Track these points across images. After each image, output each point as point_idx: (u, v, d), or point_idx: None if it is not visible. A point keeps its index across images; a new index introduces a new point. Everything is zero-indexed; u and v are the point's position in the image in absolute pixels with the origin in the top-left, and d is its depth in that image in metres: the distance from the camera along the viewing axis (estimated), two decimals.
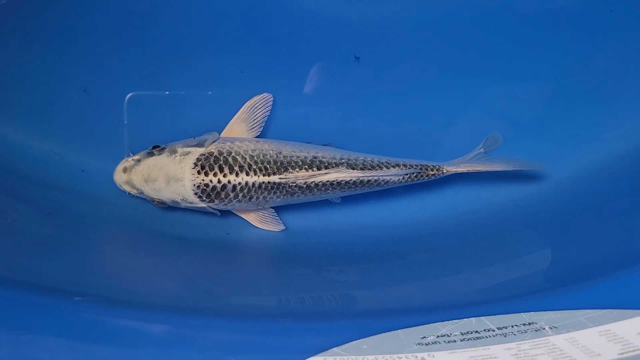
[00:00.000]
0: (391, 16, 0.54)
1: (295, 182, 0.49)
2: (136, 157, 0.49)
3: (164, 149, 0.49)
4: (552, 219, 0.52)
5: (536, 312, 0.38)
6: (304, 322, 0.37)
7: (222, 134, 0.50)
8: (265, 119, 0.52)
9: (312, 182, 0.49)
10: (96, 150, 0.53)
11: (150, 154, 0.49)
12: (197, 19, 0.53)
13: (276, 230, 0.52)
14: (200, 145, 0.49)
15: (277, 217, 0.52)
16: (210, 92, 0.54)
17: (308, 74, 0.55)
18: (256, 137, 0.51)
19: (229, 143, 0.49)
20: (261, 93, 0.52)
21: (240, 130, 0.51)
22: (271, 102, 0.52)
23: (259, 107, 0.51)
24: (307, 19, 0.53)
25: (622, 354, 0.32)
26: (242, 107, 0.51)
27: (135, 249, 0.49)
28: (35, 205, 0.50)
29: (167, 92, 0.54)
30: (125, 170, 0.49)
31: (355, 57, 0.55)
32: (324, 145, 0.52)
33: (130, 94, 0.53)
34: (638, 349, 0.32)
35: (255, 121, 0.51)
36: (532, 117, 0.57)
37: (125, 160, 0.49)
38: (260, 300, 0.41)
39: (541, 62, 0.56)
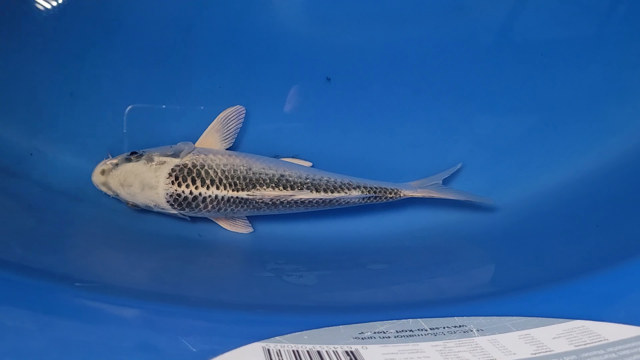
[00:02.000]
0: (361, 42, 0.58)
1: (262, 199, 0.52)
2: (114, 160, 0.52)
3: (141, 155, 0.52)
4: (500, 238, 0.56)
5: (468, 317, 0.41)
6: (255, 314, 0.41)
7: (197, 144, 0.54)
8: (238, 130, 0.55)
9: (277, 200, 0.52)
10: (78, 150, 0.56)
11: (128, 160, 0.51)
12: (181, 38, 0.57)
13: (245, 232, 0.55)
14: (175, 155, 0.51)
15: (247, 221, 0.55)
16: (202, 107, 0.57)
17: (285, 94, 0.59)
18: (229, 148, 0.55)
19: (202, 155, 0.52)
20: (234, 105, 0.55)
21: (213, 140, 0.54)
22: (244, 114, 0.55)
23: (232, 118, 0.54)
24: (283, 41, 0.57)
25: (534, 354, 0.35)
26: (216, 118, 0.54)
27: (110, 243, 0.51)
28: (16, 198, 0.53)
29: (163, 106, 0.57)
30: (103, 172, 0.52)
31: (327, 78, 0.59)
32: (292, 157, 0.56)
33: (130, 106, 0.56)
34: (549, 351, 0.35)
35: (229, 132, 0.54)
36: (491, 142, 0.61)
37: (103, 162, 0.52)
38: (218, 294, 0.44)
39: (500, 93, 0.60)
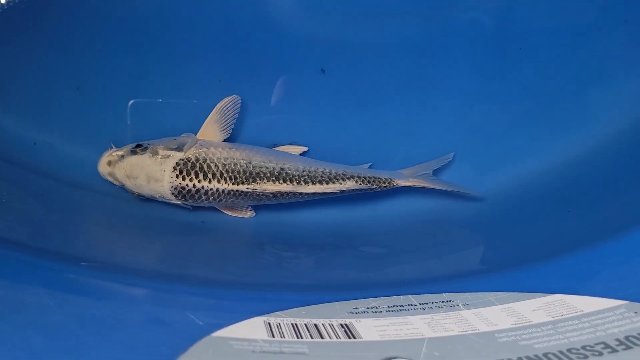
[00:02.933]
0: (354, 34, 0.60)
1: (262, 192, 0.55)
2: (120, 152, 0.54)
3: (146, 148, 0.54)
4: (488, 221, 0.59)
5: (455, 293, 0.44)
6: (257, 292, 0.44)
7: (198, 135, 0.56)
8: (235, 119, 0.57)
9: (277, 192, 0.55)
10: (85, 142, 0.59)
11: (134, 152, 0.53)
12: (181, 34, 0.59)
13: (247, 216, 0.58)
14: (179, 149, 0.54)
15: (248, 206, 0.58)
16: (195, 101, 0.60)
17: (282, 86, 0.61)
18: (228, 137, 0.57)
19: (205, 149, 0.54)
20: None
21: (213, 130, 0.56)
22: (239, 104, 0.57)
23: (229, 108, 0.56)
24: (278, 35, 0.59)
25: (514, 325, 0.38)
26: (214, 109, 0.56)
27: (118, 229, 0.54)
28: (26, 188, 0.56)
29: (165, 100, 0.60)
30: (109, 163, 0.54)
31: (322, 70, 0.61)
32: (289, 144, 0.58)
33: (132, 101, 0.59)
34: (529, 322, 0.38)
35: (227, 121, 0.56)
36: (479, 131, 0.63)
37: (109, 153, 0.54)
38: (222, 275, 0.47)
39: (487, 83, 0.62)
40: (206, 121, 0.56)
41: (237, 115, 0.57)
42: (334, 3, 0.59)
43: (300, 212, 0.61)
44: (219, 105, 0.56)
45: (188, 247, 0.53)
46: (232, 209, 0.57)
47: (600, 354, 0.33)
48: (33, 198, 0.53)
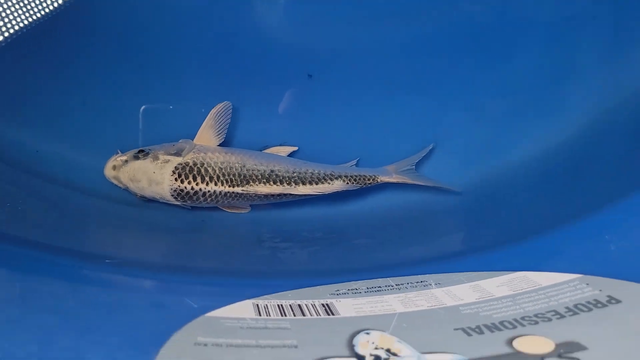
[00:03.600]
0: (337, 41, 0.65)
1: (254, 194, 0.59)
2: (124, 157, 0.59)
3: (147, 154, 0.58)
4: (469, 209, 0.63)
5: (430, 275, 0.48)
6: (249, 279, 0.48)
7: (195, 140, 0.60)
8: (228, 123, 0.62)
9: (269, 193, 0.60)
10: (92, 150, 0.64)
11: (137, 158, 0.58)
12: (178, 49, 0.64)
13: (243, 212, 0.62)
14: (178, 154, 0.58)
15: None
16: (203, 110, 0.64)
17: (272, 92, 0.66)
18: (222, 140, 0.61)
19: (202, 154, 0.58)
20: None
21: (209, 135, 0.61)
22: (231, 108, 0.62)
23: (221, 113, 0.61)
24: (267, 45, 0.64)
25: (478, 299, 0.42)
26: (208, 115, 0.61)
27: (124, 229, 0.59)
28: (41, 197, 0.61)
29: (170, 107, 0.65)
30: (114, 167, 0.59)
31: (309, 75, 0.66)
32: (279, 144, 0.63)
33: (143, 106, 0.64)
34: (491, 295, 0.42)
35: (221, 126, 0.61)
36: (460, 126, 0.67)
37: (114, 158, 0.59)
38: (217, 266, 0.52)
39: (466, 81, 0.67)
40: (202, 127, 0.61)
41: (229, 120, 0.61)
42: (316, 14, 0.64)
43: (292, 209, 0.66)
44: (212, 112, 0.61)
45: (188, 243, 0.58)
46: (228, 206, 0.62)
47: (550, 320, 0.37)
48: (46, 203, 0.58)
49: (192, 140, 0.61)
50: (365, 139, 0.67)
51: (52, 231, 0.52)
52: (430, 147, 0.65)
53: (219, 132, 0.61)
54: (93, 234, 0.57)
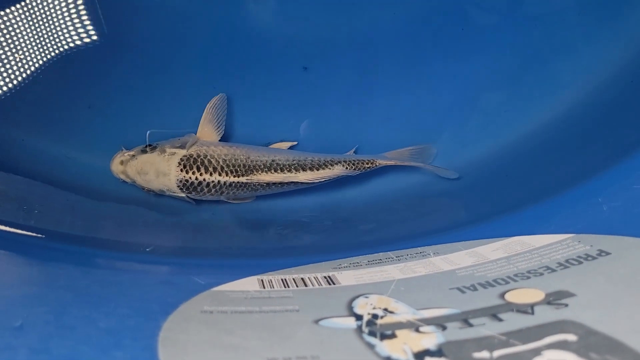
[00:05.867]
0: (329, 33, 0.67)
1: (258, 182, 0.61)
2: (131, 152, 0.61)
3: (155, 148, 0.61)
4: (468, 188, 0.64)
5: (429, 246, 0.50)
6: (254, 259, 0.50)
7: (197, 134, 0.63)
8: (225, 115, 0.64)
9: (272, 182, 0.62)
10: (100, 153, 0.66)
11: (144, 151, 0.61)
12: (175, 49, 0.66)
13: (247, 201, 0.64)
14: (183, 147, 0.61)
15: None
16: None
17: (269, 85, 0.68)
18: (223, 133, 0.64)
19: (205, 147, 0.61)
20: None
21: (209, 129, 0.63)
22: (226, 100, 0.64)
23: (218, 105, 0.64)
24: (262, 40, 0.66)
25: (473, 263, 0.43)
26: (205, 109, 0.63)
27: (136, 223, 0.61)
28: (55, 199, 0.64)
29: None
30: (122, 162, 0.61)
31: (304, 68, 0.68)
32: (279, 141, 0.65)
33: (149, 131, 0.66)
34: (486, 259, 0.44)
35: (219, 119, 0.63)
36: (455, 108, 0.69)
37: (120, 154, 0.61)
38: (225, 248, 0.54)
39: (456, 64, 0.68)
40: (201, 121, 0.63)
41: (226, 111, 0.64)
42: (306, 7, 0.66)
43: (296, 198, 0.67)
44: (208, 106, 0.63)
45: (197, 232, 0.60)
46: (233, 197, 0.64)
47: (541, 274, 0.39)
48: (61, 203, 0.61)
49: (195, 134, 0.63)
50: (362, 129, 0.69)
51: (67, 226, 0.54)
52: (426, 145, 0.66)
53: (218, 124, 0.63)
54: (104, 231, 0.59)
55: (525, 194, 0.56)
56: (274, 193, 0.65)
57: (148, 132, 0.65)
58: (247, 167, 0.61)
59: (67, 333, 0.30)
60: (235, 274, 0.46)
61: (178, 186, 0.60)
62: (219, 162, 0.60)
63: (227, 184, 0.60)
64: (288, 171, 0.61)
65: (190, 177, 0.60)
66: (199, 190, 0.60)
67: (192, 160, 0.60)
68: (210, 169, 0.60)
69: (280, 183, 0.62)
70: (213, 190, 0.61)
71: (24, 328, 0.30)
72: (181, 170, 0.60)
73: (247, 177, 0.61)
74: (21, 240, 0.46)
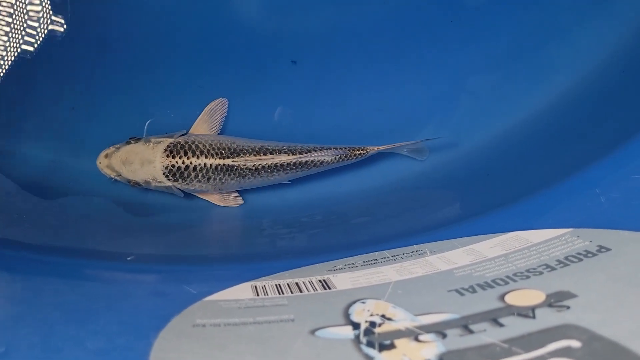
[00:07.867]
0: (317, 25, 0.65)
1: (245, 165, 0.60)
2: (116, 146, 0.60)
3: (139, 139, 0.60)
4: (463, 178, 0.63)
5: (425, 243, 0.49)
6: (247, 264, 0.49)
7: (190, 131, 0.62)
8: (223, 120, 0.63)
9: (259, 165, 0.60)
10: (86, 155, 0.64)
11: (128, 143, 0.60)
12: (160, 48, 0.64)
13: (236, 205, 0.63)
14: (170, 136, 0.60)
15: (237, 194, 0.63)
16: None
17: (257, 81, 0.66)
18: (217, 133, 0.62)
19: (193, 136, 0.60)
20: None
21: (202, 130, 0.62)
22: (227, 105, 0.63)
23: (217, 110, 0.63)
24: (248, 35, 0.65)
25: (471, 261, 0.42)
26: (203, 111, 0.62)
27: (127, 230, 0.60)
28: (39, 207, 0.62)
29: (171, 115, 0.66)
30: (107, 156, 0.59)
31: (292, 61, 0.66)
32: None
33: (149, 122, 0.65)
34: (484, 257, 0.43)
35: (215, 122, 0.62)
36: (448, 97, 0.68)
37: (106, 150, 0.60)
38: (216, 253, 0.53)
39: (449, 53, 0.66)
40: (196, 121, 0.62)
41: (225, 116, 0.63)
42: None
43: (290, 194, 0.66)
44: (207, 108, 0.62)
45: (187, 237, 0.59)
46: (222, 198, 0.62)
47: (541, 273, 0.38)
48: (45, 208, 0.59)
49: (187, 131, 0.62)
50: (353, 120, 0.68)
51: (53, 234, 0.53)
52: (419, 142, 0.64)
53: (213, 127, 0.62)
54: (95, 237, 0.58)
55: (520, 185, 0.55)
56: (263, 187, 0.64)
57: (147, 122, 0.64)
58: (232, 150, 0.59)
59: (53, 357, 0.29)
60: (228, 279, 0.45)
61: (164, 173, 0.58)
62: (205, 146, 0.59)
63: (214, 166, 0.59)
64: (277, 154, 0.60)
65: (176, 162, 0.58)
66: (185, 176, 0.59)
67: (179, 146, 0.59)
68: (197, 152, 0.59)
69: (269, 167, 0.60)
70: (200, 175, 0.59)
71: (8, 354, 0.29)
72: (167, 156, 0.58)
73: (234, 159, 0.59)
74: (3, 253, 0.44)
